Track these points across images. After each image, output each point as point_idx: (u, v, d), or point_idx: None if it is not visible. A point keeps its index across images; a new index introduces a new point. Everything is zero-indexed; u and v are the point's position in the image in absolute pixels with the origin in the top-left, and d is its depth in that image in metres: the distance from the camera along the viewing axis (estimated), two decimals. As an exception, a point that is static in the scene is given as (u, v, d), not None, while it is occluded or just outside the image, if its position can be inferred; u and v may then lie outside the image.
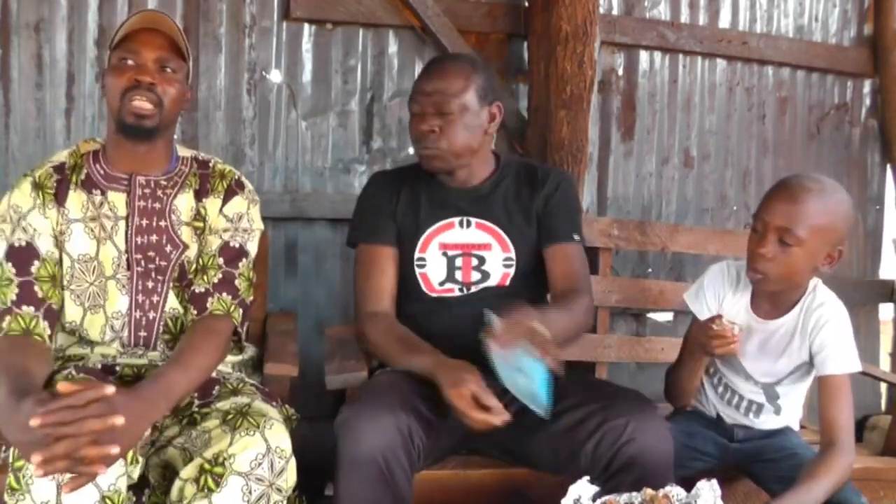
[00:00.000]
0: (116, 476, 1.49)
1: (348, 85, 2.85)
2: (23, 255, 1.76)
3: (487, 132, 2.09)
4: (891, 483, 2.20)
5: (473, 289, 2.07)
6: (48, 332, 1.75)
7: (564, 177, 2.21)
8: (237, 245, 1.88)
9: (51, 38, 2.56)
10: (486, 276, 2.08)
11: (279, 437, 1.61)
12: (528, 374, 1.70)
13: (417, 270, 2.08)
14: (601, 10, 2.88)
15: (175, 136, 1.94)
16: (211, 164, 1.94)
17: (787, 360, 1.93)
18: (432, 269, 2.08)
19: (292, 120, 2.80)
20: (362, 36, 2.85)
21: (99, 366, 1.78)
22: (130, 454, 1.53)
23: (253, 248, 1.91)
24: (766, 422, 2.01)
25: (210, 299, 1.82)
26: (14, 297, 1.74)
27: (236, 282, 1.85)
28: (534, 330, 1.67)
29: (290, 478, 1.62)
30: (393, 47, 2.88)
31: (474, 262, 2.07)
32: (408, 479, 1.73)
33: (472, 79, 2.04)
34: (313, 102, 2.83)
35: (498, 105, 2.10)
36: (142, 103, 1.75)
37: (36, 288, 1.75)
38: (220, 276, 1.85)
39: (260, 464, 1.57)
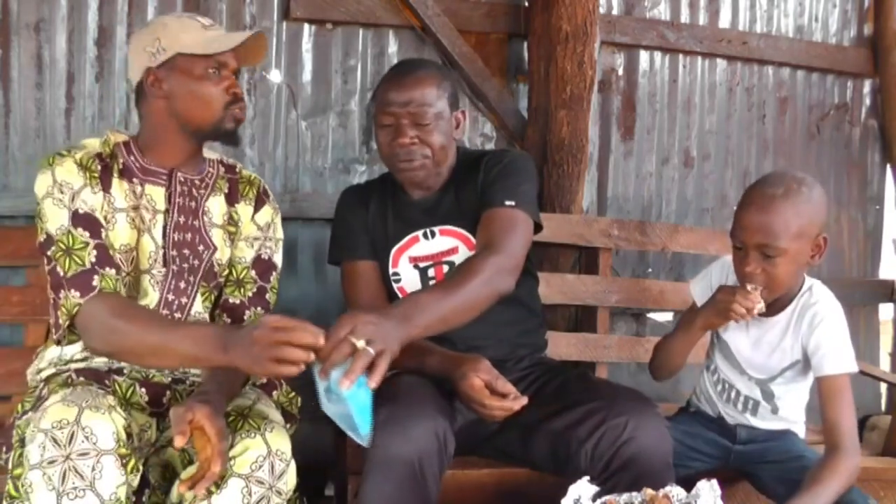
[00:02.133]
0: (117, 485, 1.48)
1: (348, 85, 2.85)
2: (90, 221, 1.73)
3: (454, 139, 2.07)
4: (891, 483, 2.20)
5: None
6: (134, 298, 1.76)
7: (509, 153, 2.14)
8: (267, 257, 1.94)
9: (51, 38, 2.55)
10: None
11: (280, 439, 1.62)
12: (343, 399, 1.52)
13: (394, 285, 2.07)
14: (601, 10, 2.88)
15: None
16: (237, 170, 1.98)
17: (780, 357, 1.93)
18: (407, 283, 2.06)
19: (292, 120, 2.80)
20: (362, 36, 2.85)
21: (105, 368, 1.76)
22: (131, 463, 1.52)
23: (279, 259, 1.97)
24: (765, 421, 2.01)
25: (247, 312, 1.88)
26: (94, 259, 1.70)
27: (267, 295, 1.92)
28: (356, 349, 1.49)
29: (290, 480, 1.62)
30: (393, 47, 2.88)
31: (445, 269, 2.05)
32: (437, 484, 1.73)
33: (444, 86, 2.01)
34: (313, 102, 2.82)
35: (463, 111, 2.09)
36: (242, 113, 1.85)
37: (111, 252, 1.74)
38: (255, 289, 1.90)
39: (260, 466, 1.57)
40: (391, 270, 2.07)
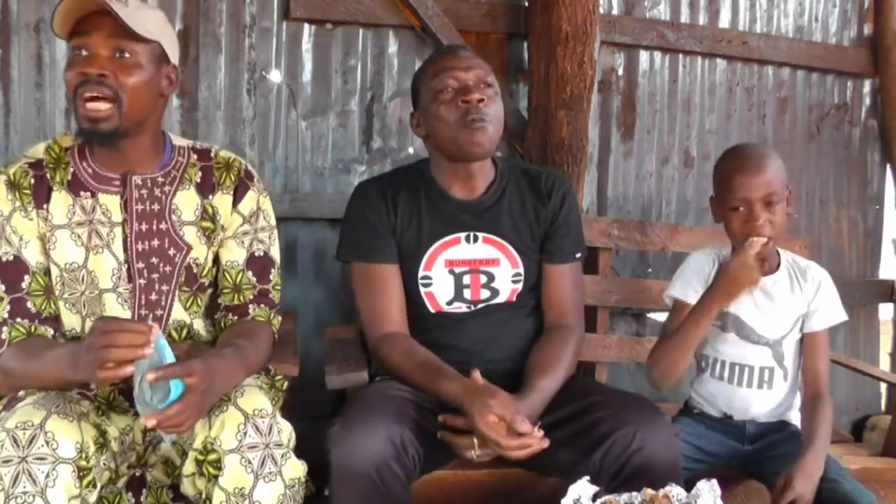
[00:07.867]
0: (69, 496, 1.46)
1: (348, 85, 2.85)
2: (11, 271, 1.66)
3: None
4: (891, 483, 2.20)
5: (481, 305, 2.01)
6: (51, 333, 1.69)
7: (567, 186, 2.11)
8: (262, 253, 1.83)
9: (51, 38, 2.54)
10: (495, 293, 2.01)
11: (253, 400, 1.58)
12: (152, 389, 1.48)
13: (422, 289, 1.98)
14: (601, 10, 2.88)
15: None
16: (212, 154, 1.83)
17: (791, 310, 2.05)
18: (439, 288, 1.98)
19: (292, 120, 2.80)
20: (362, 36, 2.84)
21: None
22: (88, 478, 1.49)
23: (276, 252, 1.86)
24: (778, 391, 2.05)
25: (251, 306, 1.82)
26: (6, 315, 1.66)
27: (270, 295, 1.85)
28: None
29: (283, 430, 1.59)
30: (393, 47, 2.88)
31: (483, 279, 1.99)
32: (404, 488, 1.69)
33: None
34: (313, 102, 2.82)
35: None
36: (94, 104, 1.57)
37: (28, 304, 1.67)
38: (255, 293, 1.83)
39: (245, 433, 1.54)
40: (421, 273, 1.98)
